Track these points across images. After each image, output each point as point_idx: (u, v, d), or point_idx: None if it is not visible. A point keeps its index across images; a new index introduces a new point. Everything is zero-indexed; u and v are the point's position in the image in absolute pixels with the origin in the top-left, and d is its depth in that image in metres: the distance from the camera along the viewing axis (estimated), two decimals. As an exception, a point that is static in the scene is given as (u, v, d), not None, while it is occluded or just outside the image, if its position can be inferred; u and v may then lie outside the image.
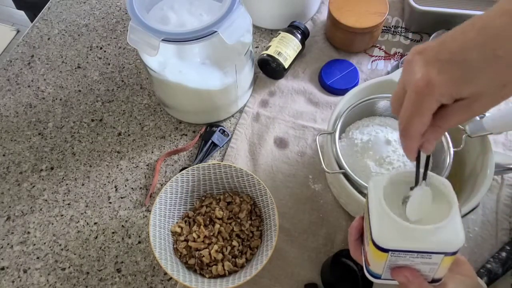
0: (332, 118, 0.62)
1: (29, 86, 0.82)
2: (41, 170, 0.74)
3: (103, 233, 0.68)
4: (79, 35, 0.89)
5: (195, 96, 0.70)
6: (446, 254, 0.37)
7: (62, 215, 0.69)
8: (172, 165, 0.73)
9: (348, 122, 0.66)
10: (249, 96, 0.79)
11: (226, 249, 0.61)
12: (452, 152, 0.58)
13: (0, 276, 0.65)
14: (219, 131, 0.75)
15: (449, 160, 0.58)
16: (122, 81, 0.83)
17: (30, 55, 0.86)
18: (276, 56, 0.77)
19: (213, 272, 0.60)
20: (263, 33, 0.88)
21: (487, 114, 0.55)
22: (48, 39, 0.88)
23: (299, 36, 0.80)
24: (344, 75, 0.79)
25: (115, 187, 0.72)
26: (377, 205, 0.39)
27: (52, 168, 0.74)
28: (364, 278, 0.45)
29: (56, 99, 0.81)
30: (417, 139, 0.37)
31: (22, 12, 1.46)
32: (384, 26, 0.86)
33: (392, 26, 0.87)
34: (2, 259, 0.66)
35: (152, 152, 0.75)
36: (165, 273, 0.64)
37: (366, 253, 0.42)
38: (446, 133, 0.58)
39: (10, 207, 0.70)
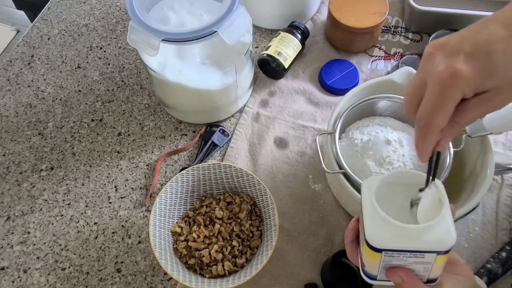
0: (332, 118, 0.62)
1: (29, 86, 0.82)
2: (41, 170, 0.74)
3: (103, 233, 0.68)
4: (79, 35, 0.89)
5: (195, 96, 0.70)
6: (438, 253, 0.37)
7: (62, 215, 0.69)
8: (172, 165, 0.73)
9: (348, 122, 0.66)
10: (249, 96, 0.79)
11: (226, 249, 0.61)
12: (452, 152, 0.58)
13: (0, 276, 0.65)
14: (219, 131, 0.75)
15: (449, 160, 0.57)
16: (122, 81, 0.83)
17: (30, 55, 0.86)
18: (276, 56, 0.77)
19: (213, 272, 0.60)
20: (263, 33, 0.88)
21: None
22: (48, 39, 0.88)
23: (299, 36, 0.80)
24: (344, 75, 0.79)
25: (115, 187, 0.72)
26: (369, 205, 0.39)
27: (52, 168, 0.74)
28: (364, 278, 0.45)
29: (56, 99, 0.81)
30: (436, 136, 0.36)
31: (22, 12, 1.46)
32: (384, 26, 0.86)
33: (392, 26, 0.87)
34: (2, 259, 0.66)
35: (152, 152, 0.75)
36: (165, 273, 0.64)
37: (362, 254, 0.42)
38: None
39: (10, 207, 0.70)
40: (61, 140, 0.76)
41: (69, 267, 0.65)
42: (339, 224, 0.66)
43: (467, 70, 0.33)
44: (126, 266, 0.65)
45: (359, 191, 0.57)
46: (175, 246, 0.63)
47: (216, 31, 0.58)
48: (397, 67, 0.78)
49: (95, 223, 0.69)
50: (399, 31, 0.86)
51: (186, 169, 0.64)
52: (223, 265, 0.60)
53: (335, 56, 0.83)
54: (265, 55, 0.78)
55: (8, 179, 0.73)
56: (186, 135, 0.76)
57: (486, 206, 0.67)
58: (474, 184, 0.58)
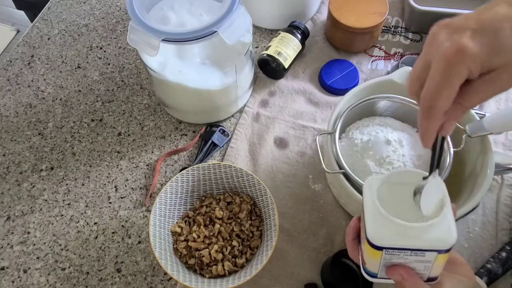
0: (332, 118, 0.62)
1: (29, 86, 0.82)
2: (41, 170, 0.74)
3: (103, 233, 0.68)
4: (79, 35, 0.89)
5: (195, 96, 0.70)
6: (439, 251, 0.38)
7: (62, 215, 0.69)
8: (172, 165, 0.73)
9: (348, 122, 0.66)
10: (249, 96, 0.79)
11: (226, 249, 0.61)
12: (452, 152, 0.58)
13: (0, 276, 0.65)
14: (219, 131, 0.75)
15: (449, 160, 0.57)
16: (122, 81, 0.83)
17: (30, 55, 0.86)
18: (276, 56, 0.77)
19: (213, 272, 0.60)
20: (263, 33, 0.88)
21: (487, 114, 0.55)
22: (48, 39, 0.88)
23: (299, 36, 0.80)
24: (344, 75, 0.79)
25: (115, 187, 0.72)
26: (371, 204, 0.39)
27: (52, 168, 0.74)
28: (364, 278, 0.45)
29: (56, 99, 0.81)
30: (440, 118, 0.35)
31: (22, 12, 1.46)
32: (384, 26, 0.86)
33: (392, 26, 0.87)
34: (2, 259, 0.66)
35: (152, 152, 0.75)
36: (165, 273, 0.64)
37: (362, 252, 0.43)
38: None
39: (10, 207, 0.70)
40: (61, 140, 0.76)
41: (69, 267, 0.65)
42: (339, 224, 0.66)
43: (473, 46, 0.32)
44: (126, 266, 0.65)
45: (359, 191, 0.57)
46: (175, 246, 0.63)
47: (216, 31, 0.58)
48: (397, 67, 0.78)
49: (95, 223, 0.69)
50: (399, 31, 0.86)
51: (186, 169, 0.64)
52: (223, 265, 0.60)
53: (335, 56, 0.83)
54: (265, 55, 0.78)
55: (8, 179, 0.73)
56: (186, 135, 0.76)
57: (486, 206, 0.67)
58: (474, 184, 0.58)
